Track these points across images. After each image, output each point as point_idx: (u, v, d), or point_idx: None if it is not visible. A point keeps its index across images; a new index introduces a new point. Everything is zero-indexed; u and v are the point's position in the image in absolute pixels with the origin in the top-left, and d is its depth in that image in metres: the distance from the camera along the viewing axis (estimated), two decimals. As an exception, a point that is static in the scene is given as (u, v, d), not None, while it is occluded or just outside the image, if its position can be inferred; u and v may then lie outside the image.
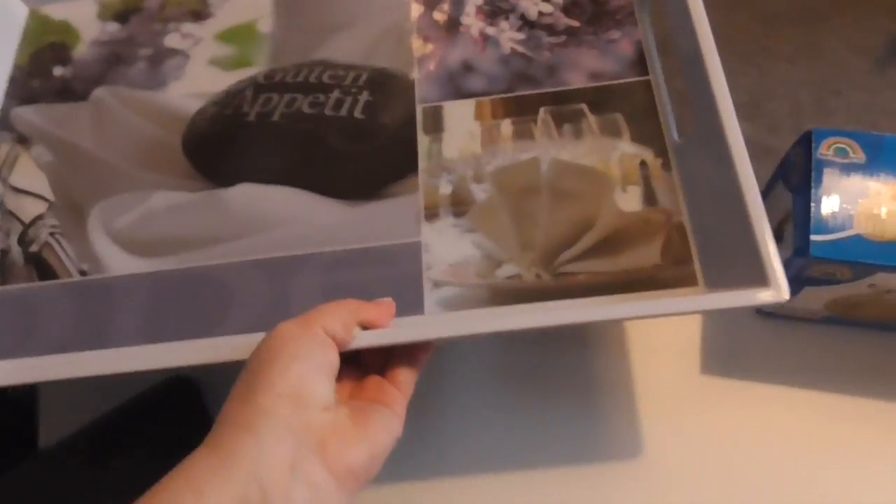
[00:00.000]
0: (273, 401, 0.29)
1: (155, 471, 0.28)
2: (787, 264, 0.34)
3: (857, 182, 0.36)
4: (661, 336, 0.40)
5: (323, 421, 0.30)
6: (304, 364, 0.30)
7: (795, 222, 0.36)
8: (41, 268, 0.43)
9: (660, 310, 0.33)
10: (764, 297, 0.31)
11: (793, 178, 0.37)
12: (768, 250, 0.32)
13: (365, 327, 0.34)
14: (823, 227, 0.35)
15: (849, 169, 0.36)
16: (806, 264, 0.34)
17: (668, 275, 0.36)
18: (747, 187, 0.34)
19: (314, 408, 0.30)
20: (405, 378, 0.34)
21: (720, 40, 0.38)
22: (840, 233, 0.34)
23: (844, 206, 0.35)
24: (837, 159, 0.36)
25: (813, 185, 0.36)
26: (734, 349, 0.40)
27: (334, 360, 0.32)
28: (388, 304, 0.36)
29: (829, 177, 0.36)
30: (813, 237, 0.35)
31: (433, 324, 0.37)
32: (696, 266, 0.36)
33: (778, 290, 0.31)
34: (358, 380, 0.34)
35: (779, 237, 0.36)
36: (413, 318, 0.37)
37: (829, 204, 0.35)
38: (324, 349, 0.31)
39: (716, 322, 0.39)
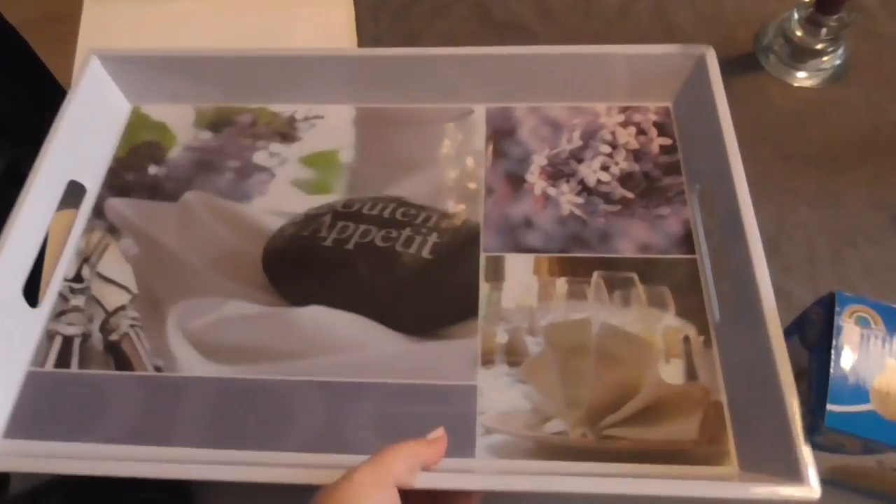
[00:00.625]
0: None
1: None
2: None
3: (875, 355, 0.36)
4: None
5: None
6: None
7: (810, 383, 0.36)
8: (118, 357, 0.46)
9: (694, 492, 0.36)
10: (795, 493, 0.34)
11: (810, 336, 0.38)
12: (802, 450, 0.35)
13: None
14: (839, 397, 0.35)
15: (868, 340, 0.36)
16: (818, 431, 0.35)
17: (705, 451, 0.40)
18: (784, 378, 0.38)
19: None
20: None
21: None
22: (855, 405, 0.35)
23: (862, 378, 0.35)
24: (858, 328, 0.36)
25: (833, 351, 0.36)
26: None
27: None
28: (442, 441, 0.39)
29: (849, 345, 0.36)
30: (829, 406, 0.35)
31: (484, 474, 0.39)
32: (731, 445, 0.40)
33: (810, 489, 0.34)
34: None
35: None
36: (464, 462, 0.40)
37: (846, 374, 0.35)
38: (391, 498, 0.34)
39: None
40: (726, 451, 0.40)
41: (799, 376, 0.37)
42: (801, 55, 0.55)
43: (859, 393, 0.35)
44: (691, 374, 0.42)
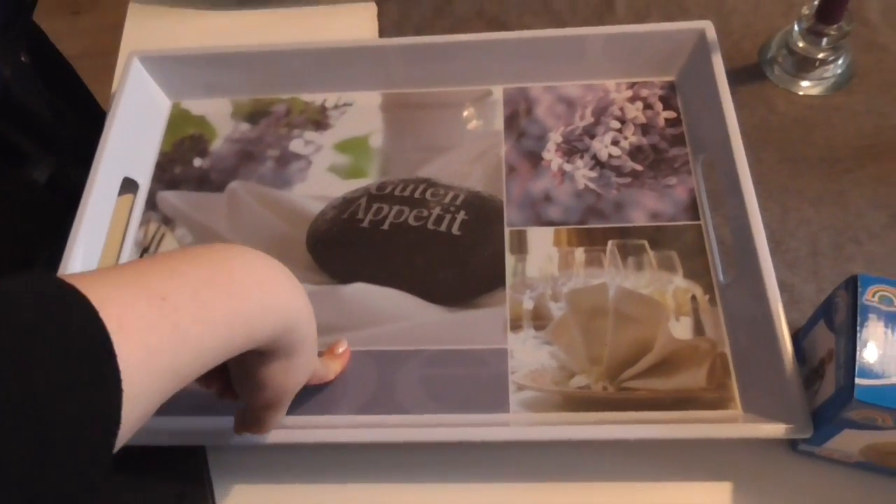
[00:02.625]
0: None
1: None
2: (828, 403, 0.39)
3: None
4: (697, 461, 0.44)
5: None
6: None
7: (838, 363, 0.38)
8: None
9: (697, 434, 0.41)
10: (788, 431, 0.40)
11: (836, 320, 0.40)
12: (797, 391, 0.41)
13: None
14: (868, 372, 0.36)
15: (893, 318, 0.38)
16: (849, 406, 0.36)
17: (712, 397, 0.45)
18: (780, 330, 0.43)
19: None
20: None
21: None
22: (884, 379, 0.36)
23: (889, 353, 0.37)
24: (882, 306, 0.38)
25: (858, 328, 0.37)
26: (766, 484, 0.43)
27: None
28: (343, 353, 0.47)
29: (874, 323, 0.37)
30: (858, 380, 0.36)
31: (518, 425, 0.45)
32: (736, 392, 0.45)
33: (803, 428, 0.40)
34: None
35: (820, 374, 0.41)
36: (500, 416, 0.46)
37: (873, 349, 0.37)
38: None
39: (752, 453, 0.44)
40: (731, 396, 0.45)
41: (827, 359, 0.40)
42: (804, 65, 0.57)
43: (887, 366, 0.37)
44: (699, 329, 0.48)
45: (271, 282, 0.35)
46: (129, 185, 0.57)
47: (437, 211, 0.54)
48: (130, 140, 0.58)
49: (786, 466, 0.43)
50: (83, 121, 0.79)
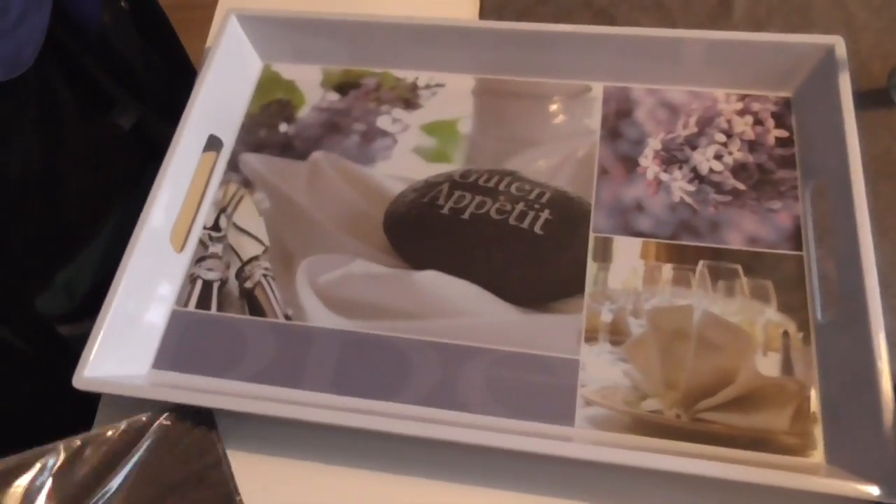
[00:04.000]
0: None
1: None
2: None
3: None
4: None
5: None
6: None
7: None
8: (252, 303, 0.51)
9: (778, 481, 0.38)
10: (880, 495, 0.37)
11: None
12: (893, 449, 0.37)
13: None
14: None
15: None
16: None
17: (793, 442, 0.42)
18: (882, 380, 0.40)
19: None
20: None
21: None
22: None
23: None
24: None
25: None
26: None
27: None
28: None
29: None
30: None
31: (581, 442, 0.43)
32: (820, 440, 0.42)
33: (893, 491, 0.36)
34: None
35: None
36: (564, 429, 0.44)
37: None
38: None
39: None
40: (814, 444, 0.42)
41: None
42: None
43: None
44: (787, 368, 0.44)
45: None
46: (213, 143, 0.57)
47: (520, 206, 0.52)
48: (220, 98, 0.57)
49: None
50: (172, 72, 0.79)
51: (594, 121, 0.55)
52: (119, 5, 0.66)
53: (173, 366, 0.49)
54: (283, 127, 0.58)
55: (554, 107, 0.56)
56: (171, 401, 0.45)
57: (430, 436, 0.41)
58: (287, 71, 0.61)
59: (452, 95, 0.58)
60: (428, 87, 0.59)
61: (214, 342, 0.50)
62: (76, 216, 0.66)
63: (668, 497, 0.42)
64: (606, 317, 0.47)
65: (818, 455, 0.42)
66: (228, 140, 0.58)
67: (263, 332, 0.49)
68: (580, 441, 0.43)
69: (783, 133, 0.53)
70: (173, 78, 0.78)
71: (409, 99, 0.58)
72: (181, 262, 0.53)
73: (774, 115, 0.54)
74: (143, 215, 0.50)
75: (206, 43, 0.62)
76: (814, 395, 0.43)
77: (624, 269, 0.49)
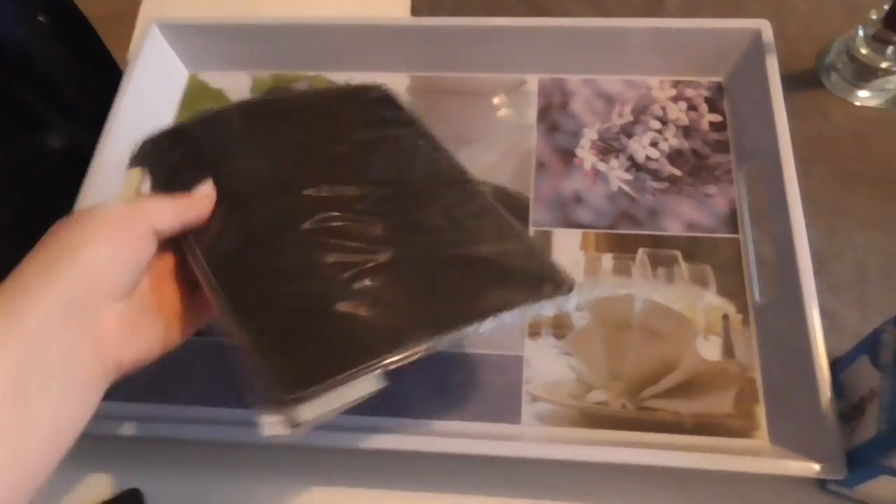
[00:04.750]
0: (70, 284, 0.31)
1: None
2: (867, 446, 0.36)
3: None
4: (715, 492, 0.41)
5: (110, 313, 0.32)
6: (120, 255, 0.33)
7: (882, 404, 0.35)
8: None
9: (723, 466, 0.38)
10: (820, 471, 0.37)
11: (883, 357, 0.37)
12: (832, 427, 0.38)
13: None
14: None
15: None
16: (891, 454, 0.34)
17: (737, 424, 0.42)
18: (818, 360, 0.40)
19: (108, 299, 0.32)
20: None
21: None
22: None
23: None
24: None
25: None
26: None
27: (150, 256, 0.34)
28: (207, 200, 0.38)
29: None
30: None
31: (528, 441, 0.42)
32: (763, 421, 0.42)
33: (834, 470, 0.37)
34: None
35: (859, 412, 0.38)
36: (511, 427, 0.43)
37: None
38: (146, 246, 0.34)
39: (775, 488, 0.41)
40: (758, 425, 0.42)
41: (868, 398, 0.37)
42: (864, 74, 0.54)
43: None
44: (728, 351, 0.44)
45: None
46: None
47: (459, 204, 0.51)
48: (145, 110, 0.56)
49: (811, 505, 0.40)
50: (104, 87, 0.76)
51: (531, 114, 0.55)
52: (37, 20, 0.64)
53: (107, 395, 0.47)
54: (214, 136, 0.57)
55: (490, 102, 0.56)
56: (103, 433, 0.43)
57: (376, 447, 0.41)
58: (215, 79, 0.60)
59: (387, 95, 0.57)
60: (361, 88, 0.58)
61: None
62: (2, 242, 0.63)
63: (619, 486, 0.42)
64: (549, 311, 0.47)
65: (762, 435, 0.42)
66: (158, 152, 0.56)
67: (204, 352, 0.48)
68: (528, 439, 0.42)
69: (717, 118, 0.53)
70: (106, 93, 0.76)
71: (342, 101, 0.57)
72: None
73: (707, 101, 0.54)
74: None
75: (128, 54, 0.60)
76: (755, 376, 0.44)
77: (565, 261, 0.48)
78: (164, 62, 0.58)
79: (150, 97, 0.56)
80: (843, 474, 0.37)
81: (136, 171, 0.55)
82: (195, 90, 0.59)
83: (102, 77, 0.77)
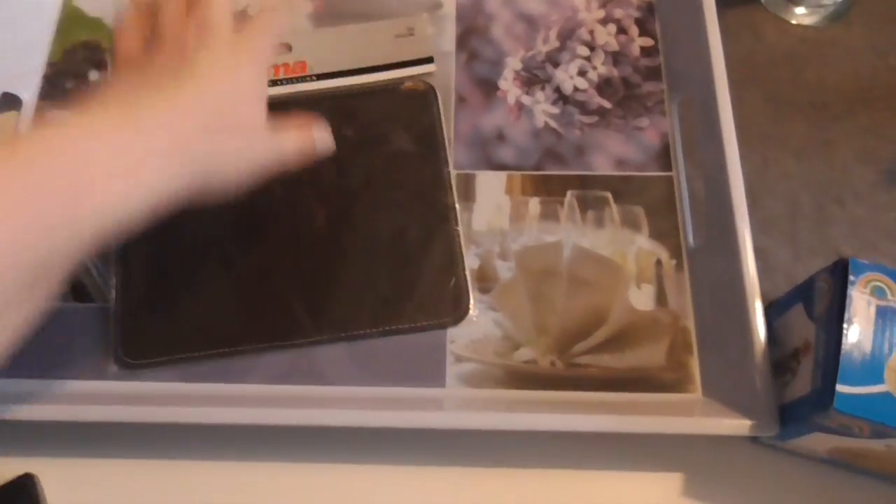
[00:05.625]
0: None
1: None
2: (800, 403, 0.35)
3: (892, 330, 0.32)
4: (647, 448, 0.40)
5: None
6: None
7: (817, 360, 0.34)
8: (75, 288, 0.44)
9: (654, 428, 0.37)
10: (751, 429, 0.35)
11: (817, 308, 0.35)
12: (765, 381, 0.36)
13: None
14: (851, 377, 0.31)
15: (885, 313, 0.32)
16: (825, 414, 0.32)
17: (670, 378, 0.40)
18: (752, 309, 0.38)
19: None
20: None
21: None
22: (868, 386, 0.31)
23: (876, 356, 0.31)
24: (874, 299, 0.32)
25: (845, 325, 0.32)
26: (721, 474, 0.39)
27: None
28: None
29: (863, 319, 0.32)
30: (839, 387, 0.31)
31: (452, 410, 0.40)
32: (697, 373, 0.40)
33: (766, 427, 0.35)
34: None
35: (792, 367, 0.36)
36: (435, 391, 0.40)
37: (859, 351, 0.32)
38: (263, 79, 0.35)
39: (708, 440, 0.39)
40: (691, 378, 0.40)
41: (803, 350, 0.35)
42: None
43: (873, 373, 0.31)
44: (661, 299, 0.42)
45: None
46: (10, 102, 0.48)
47: (372, 147, 0.47)
48: (10, 45, 0.48)
49: (744, 457, 0.39)
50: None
51: (448, 42, 0.50)
52: None
53: (-11, 370, 0.42)
54: (93, 75, 0.50)
55: (401, 27, 0.50)
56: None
57: (285, 422, 0.37)
58: (91, 5, 0.52)
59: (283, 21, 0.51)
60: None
61: (36, 337, 0.43)
62: None
63: (549, 448, 0.40)
64: (473, 263, 0.43)
65: (696, 389, 0.40)
66: (29, 97, 0.49)
67: (92, 320, 0.43)
68: (451, 404, 0.40)
69: (648, 41, 0.49)
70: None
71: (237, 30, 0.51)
72: (-14, 248, 0.45)
73: (638, 22, 0.50)
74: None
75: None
76: (689, 325, 0.42)
77: (489, 207, 0.45)
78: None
79: (16, 29, 0.49)
80: (776, 432, 0.35)
81: (12, 115, 0.48)
82: (70, 19, 0.52)
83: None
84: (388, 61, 0.48)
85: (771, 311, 0.40)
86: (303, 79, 0.48)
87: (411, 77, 0.48)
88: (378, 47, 0.48)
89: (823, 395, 0.32)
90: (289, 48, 0.49)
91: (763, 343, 0.37)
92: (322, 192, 0.44)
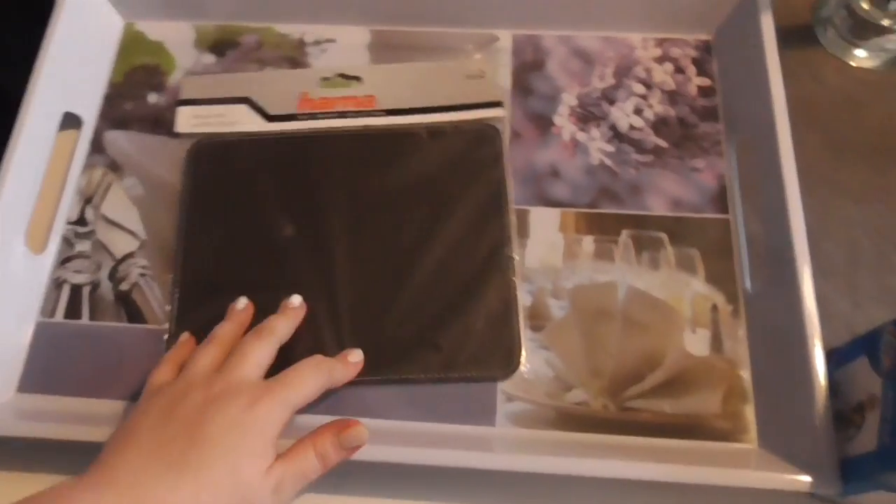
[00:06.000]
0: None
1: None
2: (866, 459, 0.34)
3: None
4: (699, 493, 0.37)
5: None
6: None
7: (885, 416, 0.33)
8: (130, 309, 0.45)
9: (709, 479, 0.36)
10: (811, 485, 0.35)
11: (885, 363, 0.34)
12: (826, 435, 0.35)
13: None
14: None
15: None
16: (894, 472, 0.31)
17: (725, 426, 0.40)
18: (814, 359, 0.37)
19: None
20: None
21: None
22: None
23: None
24: None
25: None
26: None
27: None
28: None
29: None
30: None
31: (501, 449, 0.39)
32: (753, 424, 0.40)
33: (828, 483, 0.34)
34: None
35: (856, 420, 0.35)
36: (485, 430, 0.40)
37: None
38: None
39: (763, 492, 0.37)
40: (747, 427, 0.40)
41: (868, 404, 0.34)
42: (863, 31, 0.49)
43: None
44: (717, 345, 0.42)
45: None
46: (70, 121, 0.49)
47: (426, 180, 0.47)
48: (74, 66, 0.49)
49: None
50: (29, 23, 0.68)
51: (504, 75, 0.50)
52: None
53: (42, 388, 0.43)
54: (152, 97, 0.51)
55: (473, 68, 0.50)
56: (36, 436, 0.39)
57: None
58: (153, 30, 0.53)
59: (345, 51, 0.52)
60: (317, 43, 0.52)
61: (89, 357, 0.44)
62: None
63: (599, 493, 0.39)
64: (525, 300, 0.43)
65: (751, 439, 0.39)
66: (89, 116, 0.50)
67: (144, 342, 0.44)
68: (501, 444, 0.39)
69: (705, 81, 0.49)
70: (32, 31, 0.68)
71: (295, 58, 0.52)
72: (43, 266, 0.46)
73: (695, 62, 0.50)
74: (-13, 217, 0.43)
75: None
76: (745, 373, 0.41)
77: (542, 244, 0.45)
78: (96, 9, 0.52)
79: (79, 51, 0.50)
80: (839, 489, 0.34)
81: (72, 133, 0.49)
82: (132, 42, 0.53)
83: (26, 10, 0.69)
84: (457, 102, 0.48)
85: (831, 360, 0.39)
86: (370, 113, 0.48)
87: (479, 119, 0.47)
88: (448, 87, 0.48)
89: (892, 454, 0.31)
90: (359, 80, 0.49)
91: (824, 395, 0.36)
92: (383, 232, 0.44)
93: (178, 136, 0.49)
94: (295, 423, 0.40)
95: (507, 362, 0.41)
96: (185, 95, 0.50)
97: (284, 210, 0.45)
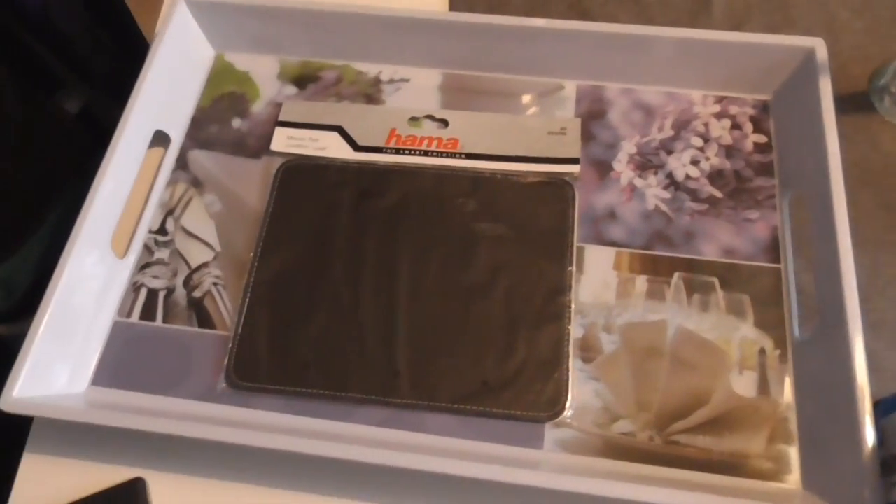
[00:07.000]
0: None
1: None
2: None
3: None
4: None
5: None
6: None
7: None
8: (201, 314, 0.47)
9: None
10: (861, 528, 0.35)
11: None
12: (871, 480, 0.36)
13: None
14: None
15: None
16: None
17: (769, 466, 0.40)
18: (861, 404, 0.38)
19: None
20: None
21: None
22: None
23: None
24: None
25: None
26: None
27: None
28: None
29: None
30: None
31: (547, 470, 0.40)
32: (797, 465, 0.40)
33: (876, 527, 0.35)
34: None
35: None
36: (531, 452, 0.41)
37: None
38: None
39: None
40: (790, 469, 0.40)
41: None
42: None
43: None
44: (763, 388, 0.43)
45: None
46: (160, 139, 0.53)
47: (488, 213, 0.49)
48: (167, 90, 0.53)
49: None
50: (124, 52, 0.74)
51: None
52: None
53: (114, 382, 0.46)
54: (236, 122, 0.55)
55: (556, 126, 0.53)
56: (109, 425, 0.41)
57: (386, 463, 0.39)
58: (241, 61, 0.58)
59: (417, 91, 0.55)
60: (391, 81, 0.56)
61: (159, 357, 0.46)
62: (15, 207, 0.61)
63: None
64: (577, 332, 0.45)
65: (794, 480, 0.40)
66: (177, 136, 0.54)
67: (212, 347, 0.46)
68: (548, 466, 0.41)
69: (761, 138, 0.51)
70: (126, 58, 0.73)
71: (371, 94, 0.55)
72: (124, 269, 0.49)
73: (752, 119, 0.52)
74: (80, 218, 0.46)
75: (156, 28, 0.57)
76: (790, 416, 0.42)
77: (596, 281, 0.46)
78: (190, 39, 0.56)
79: (173, 76, 0.54)
80: (883, 533, 0.35)
81: (159, 151, 0.53)
82: (221, 71, 0.57)
83: (122, 41, 0.75)
84: (536, 154, 0.50)
85: (877, 409, 0.40)
86: (452, 154, 0.51)
87: (555, 173, 0.50)
88: (529, 139, 0.51)
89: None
90: (445, 124, 0.52)
91: (871, 442, 0.37)
92: (449, 266, 0.47)
93: (258, 158, 0.53)
94: (354, 432, 0.42)
95: (553, 405, 0.43)
96: (283, 118, 0.53)
97: (358, 234, 0.48)
